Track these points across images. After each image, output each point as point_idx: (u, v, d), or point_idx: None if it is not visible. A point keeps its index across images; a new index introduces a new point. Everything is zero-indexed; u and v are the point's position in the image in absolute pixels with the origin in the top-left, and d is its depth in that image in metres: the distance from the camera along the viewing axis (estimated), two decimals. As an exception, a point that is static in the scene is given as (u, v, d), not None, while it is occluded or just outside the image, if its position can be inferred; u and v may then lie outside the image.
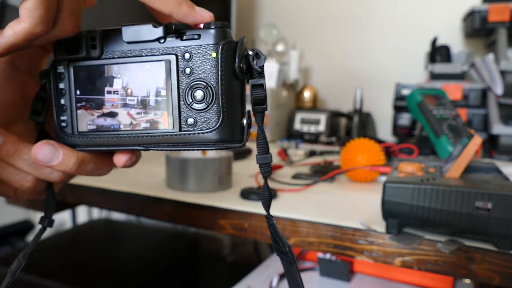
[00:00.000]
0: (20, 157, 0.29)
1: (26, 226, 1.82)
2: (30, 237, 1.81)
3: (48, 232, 1.73)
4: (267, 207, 0.29)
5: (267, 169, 0.28)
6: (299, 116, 1.18)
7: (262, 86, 0.27)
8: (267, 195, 0.28)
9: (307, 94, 1.26)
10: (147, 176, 0.68)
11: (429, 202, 0.40)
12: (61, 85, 0.29)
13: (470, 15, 1.02)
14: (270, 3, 1.44)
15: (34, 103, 0.30)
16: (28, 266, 1.00)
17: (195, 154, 0.65)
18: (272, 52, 1.28)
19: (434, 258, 0.42)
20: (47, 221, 0.31)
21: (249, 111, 0.28)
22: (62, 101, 0.29)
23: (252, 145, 0.94)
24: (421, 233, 0.44)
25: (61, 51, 0.29)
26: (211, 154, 0.64)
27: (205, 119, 0.26)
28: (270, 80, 1.16)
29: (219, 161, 0.59)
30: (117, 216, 1.54)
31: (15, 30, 0.24)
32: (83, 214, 1.69)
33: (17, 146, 0.29)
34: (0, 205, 1.34)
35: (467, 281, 0.72)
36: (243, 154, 0.86)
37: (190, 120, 0.26)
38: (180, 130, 0.27)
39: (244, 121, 0.27)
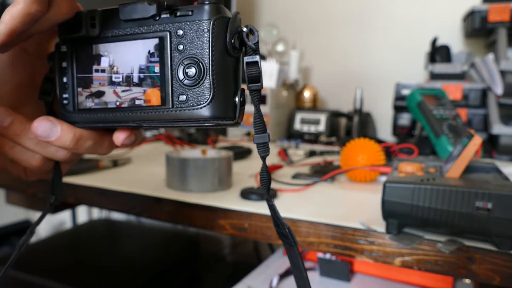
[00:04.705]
0: (27, 136, 0.30)
1: (26, 226, 1.82)
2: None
3: (48, 232, 1.73)
4: (266, 188, 0.28)
5: (264, 148, 0.27)
6: (299, 116, 1.18)
7: (256, 63, 0.26)
8: (266, 176, 0.28)
9: (307, 94, 1.26)
10: (147, 176, 0.68)
11: (429, 202, 0.40)
12: (64, 64, 0.30)
13: (470, 15, 1.02)
14: (270, 3, 1.44)
15: (43, 84, 0.31)
16: (28, 266, 0.99)
17: (195, 154, 0.65)
18: (272, 52, 1.28)
19: (434, 258, 0.42)
20: (53, 198, 0.32)
21: (243, 89, 0.28)
22: (65, 79, 0.30)
23: (252, 145, 0.94)
24: (421, 233, 0.44)
25: (63, 30, 0.29)
26: (211, 154, 0.64)
27: (196, 95, 0.26)
28: (270, 80, 1.16)
29: (219, 161, 0.59)
30: (117, 216, 1.54)
31: (12, 13, 0.24)
32: (83, 214, 1.69)
33: (24, 125, 0.30)
34: (0, 205, 1.33)
35: (467, 281, 0.72)
36: (243, 154, 0.86)
37: (182, 97, 0.27)
38: (172, 107, 0.27)
39: (237, 99, 0.27)
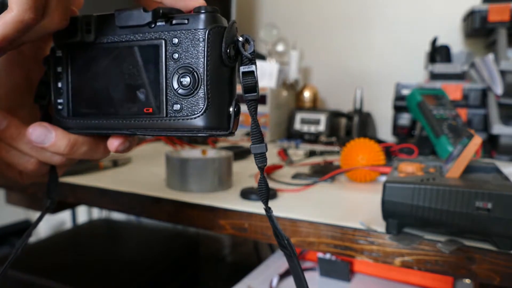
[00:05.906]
0: (22, 141, 0.30)
1: (26, 226, 1.82)
2: (30, 238, 1.81)
3: (48, 232, 1.73)
4: (265, 198, 0.28)
5: (262, 158, 0.27)
6: (299, 116, 1.18)
7: (253, 73, 0.26)
8: (264, 187, 0.28)
9: (307, 94, 1.26)
10: (147, 176, 0.68)
11: (429, 202, 0.40)
12: (59, 69, 0.30)
13: (470, 15, 1.02)
14: (270, 3, 1.44)
15: (38, 88, 0.31)
16: (28, 266, 0.99)
17: (195, 154, 0.65)
18: (272, 52, 1.28)
19: (434, 258, 0.42)
20: (49, 202, 0.32)
21: (237, 99, 0.28)
22: (59, 84, 0.30)
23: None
24: (421, 233, 0.44)
25: (59, 35, 0.29)
26: (211, 154, 0.64)
27: (190, 104, 0.26)
28: (270, 80, 1.16)
29: (219, 161, 0.59)
30: (117, 216, 1.54)
31: (5, 19, 0.24)
32: (83, 214, 1.69)
33: (20, 129, 0.30)
34: (0, 205, 1.34)
35: (467, 281, 0.72)
36: (243, 154, 0.86)
37: (177, 106, 0.26)
38: (166, 116, 0.27)
39: (231, 109, 0.27)
